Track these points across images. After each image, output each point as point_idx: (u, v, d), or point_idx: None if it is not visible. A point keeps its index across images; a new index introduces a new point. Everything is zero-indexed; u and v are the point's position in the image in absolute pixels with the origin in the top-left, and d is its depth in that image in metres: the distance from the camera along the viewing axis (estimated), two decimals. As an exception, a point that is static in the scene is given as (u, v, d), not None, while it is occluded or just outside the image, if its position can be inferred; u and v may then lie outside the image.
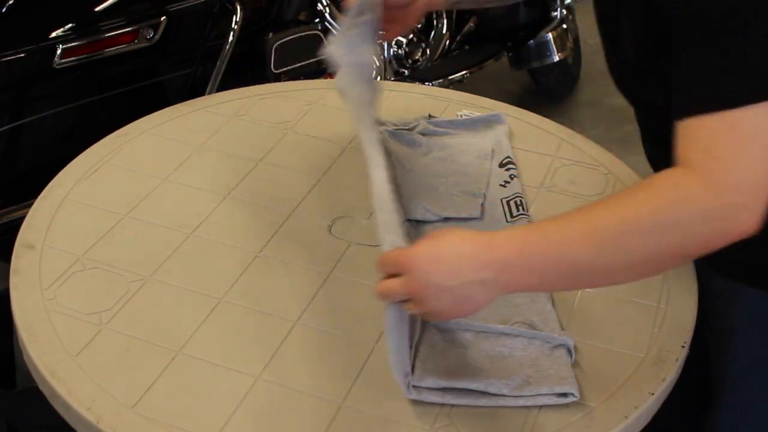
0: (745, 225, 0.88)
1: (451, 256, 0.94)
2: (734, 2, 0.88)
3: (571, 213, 0.94)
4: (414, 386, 1.04)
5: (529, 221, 1.31)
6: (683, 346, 1.14)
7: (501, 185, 1.38)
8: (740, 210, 0.88)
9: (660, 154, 1.05)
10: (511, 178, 1.39)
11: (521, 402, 1.04)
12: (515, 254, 0.92)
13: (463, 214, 1.32)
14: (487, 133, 1.50)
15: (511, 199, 1.35)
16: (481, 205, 1.34)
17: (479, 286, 0.92)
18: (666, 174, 0.91)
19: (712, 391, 1.30)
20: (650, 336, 1.15)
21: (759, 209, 0.88)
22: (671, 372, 1.10)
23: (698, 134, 0.89)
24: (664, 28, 0.96)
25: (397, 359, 1.02)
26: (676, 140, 0.92)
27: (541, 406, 1.04)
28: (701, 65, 0.90)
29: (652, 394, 1.07)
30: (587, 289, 1.22)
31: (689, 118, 0.90)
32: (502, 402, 1.04)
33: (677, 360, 1.12)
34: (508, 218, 1.32)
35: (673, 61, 0.94)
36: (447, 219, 1.32)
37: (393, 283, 0.96)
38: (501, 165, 1.42)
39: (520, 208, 1.33)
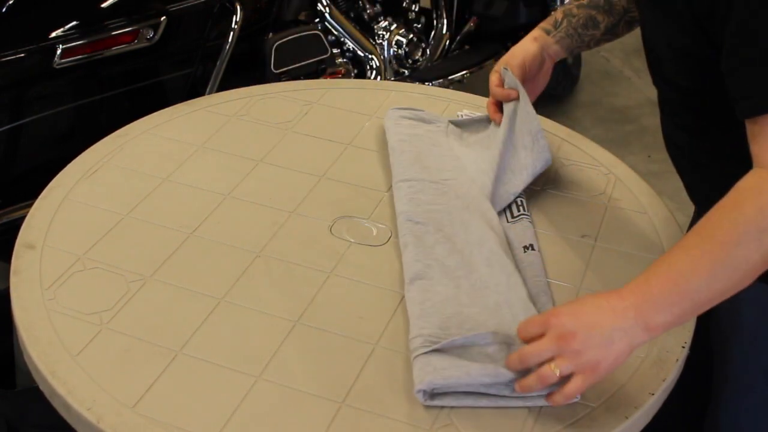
0: None
1: (590, 309, 1.00)
2: None
3: (679, 246, 1.01)
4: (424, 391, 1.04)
5: (530, 221, 1.31)
6: (683, 346, 1.14)
7: None
8: None
9: (691, 142, 1.17)
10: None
11: (522, 402, 1.04)
12: (641, 298, 0.98)
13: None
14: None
15: (511, 201, 1.35)
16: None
17: (621, 333, 0.98)
18: (748, 182, 0.99)
19: (713, 385, 1.30)
20: (650, 336, 1.15)
21: None
22: (671, 372, 1.10)
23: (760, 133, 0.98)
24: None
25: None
26: (749, 138, 1.01)
27: (541, 407, 1.04)
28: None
29: (652, 394, 1.07)
30: (587, 289, 1.22)
31: (759, 116, 0.98)
32: (503, 403, 1.04)
33: (677, 360, 1.12)
34: (509, 219, 1.32)
35: (729, 62, 1.01)
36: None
37: (539, 342, 0.99)
38: None
39: (521, 208, 1.33)
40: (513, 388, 1.03)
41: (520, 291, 1.16)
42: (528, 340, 1.01)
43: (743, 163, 1.03)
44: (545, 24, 1.44)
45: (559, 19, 1.42)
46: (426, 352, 1.06)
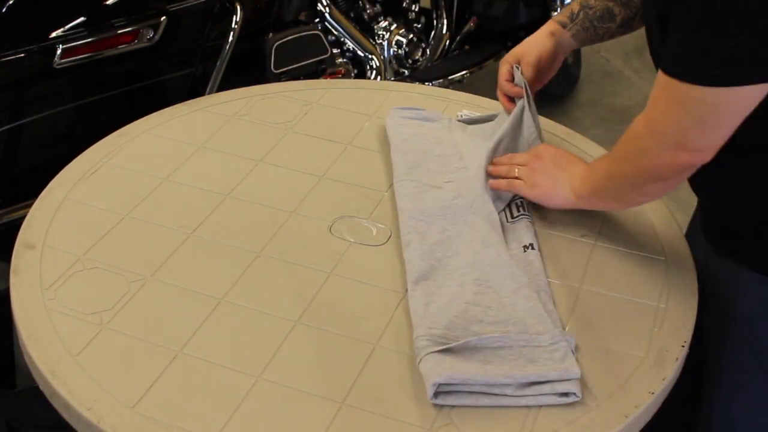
0: (668, 159, 1.10)
1: (565, 156, 1.32)
2: None
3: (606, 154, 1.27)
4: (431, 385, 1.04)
5: (530, 221, 1.31)
6: (683, 346, 1.14)
7: None
8: (664, 148, 1.09)
9: None
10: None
11: (523, 402, 1.04)
12: (586, 172, 1.27)
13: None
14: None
15: (511, 201, 1.35)
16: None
17: (564, 181, 1.28)
18: (642, 123, 1.14)
19: (707, 380, 1.29)
20: (650, 336, 1.15)
21: (678, 151, 1.09)
22: (671, 372, 1.10)
23: (656, 85, 1.09)
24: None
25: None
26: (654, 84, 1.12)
27: (541, 406, 1.04)
28: (683, 32, 1.03)
29: (652, 393, 1.07)
30: (587, 289, 1.22)
31: (660, 71, 1.08)
32: (504, 402, 1.04)
33: (677, 360, 1.12)
34: (509, 219, 1.32)
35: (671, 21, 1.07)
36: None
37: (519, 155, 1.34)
38: None
39: (521, 208, 1.33)
40: (516, 388, 1.04)
41: (525, 291, 1.17)
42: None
43: (745, 153, 1.06)
44: (561, 16, 1.44)
45: (576, 12, 1.42)
46: (437, 351, 1.06)
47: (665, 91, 1.07)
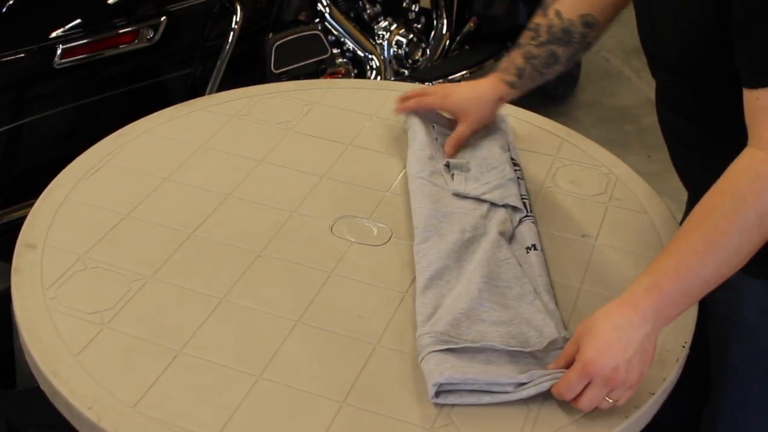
0: None
1: (613, 336, 1.01)
2: None
3: (682, 238, 1.03)
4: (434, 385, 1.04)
5: (533, 222, 1.31)
6: (683, 346, 1.14)
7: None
8: None
9: (690, 127, 1.19)
10: (518, 180, 1.40)
11: (524, 394, 1.04)
12: (656, 302, 1.01)
13: (507, 201, 1.33)
14: (496, 130, 1.49)
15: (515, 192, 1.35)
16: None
17: (648, 339, 1.01)
18: (743, 164, 1.00)
19: (712, 384, 1.30)
20: (650, 336, 1.15)
21: None
22: (671, 372, 1.10)
23: (757, 111, 0.99)
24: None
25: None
26: (747, 112, 1.02)
27: (541, 406, 1.05)
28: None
29: (653, 394, 1.07)
30: (587, 289, 1.22)
31: (761, 89, 0.98)
32: (505, 398, 1.04)
33: (677, 360, 1.12)
34: (513, 221, 1.32)
35: (738, 32, 1.01)
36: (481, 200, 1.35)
37: (591, 393, 1.02)
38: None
39: (525, 210, 1.33)
40: (515, 386, 1.04)
41: (529, 297, 1.17)
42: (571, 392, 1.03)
43: (741, 146, 1.04)
44: (508, 75, 1.40)
45: (522, 66, 1.39)
46: (439, 350, 1.06)
47: None
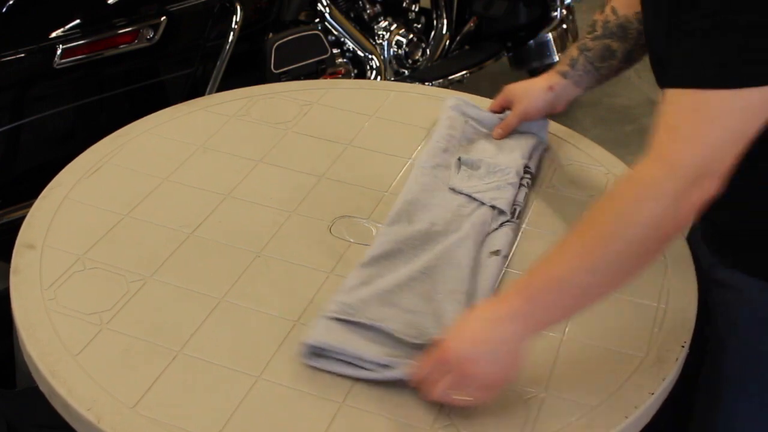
0: (707, 193, 0.94)
1: (476, 325, 1.01)
2: None
3: (560, 244, 1.00)
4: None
5: (512, 229, 1.29)
6: (683, 346, 1.14)
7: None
8: (701, 182, 0.93)
9: None
10: (518, 187, 1.38)
11: (380, 376, 1.06)
12: (527, 303, 0.99)
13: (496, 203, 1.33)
14: (529, 135, 1.49)
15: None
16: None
17: (513, 340, 0.99)
18: (630, 170, 0.97)
19: (706, 387, 1.29)
20: (650, 336, 1.15)
21: (715, 177, 0.94)
22: (671, 372, 1.10)
23: (668, 108, 0.95)
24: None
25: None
26: (658, 114, 0.98)
27: (541, 406, 1.05)
28: (690, 41, 0.95)
29: (652, 393, 1.07)
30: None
31: (669, 88, 0.96)
32: (364, 375, 1.06)
33: (677, 360, 1.12)
34: (495, 226, 1.30)
35: (672, 33, 0.99)
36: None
37: (441, 383, 1.01)
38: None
39: (509, 215, 1.32)
40: (378, 366, 1.06)
41: (459, 297, 1.16)
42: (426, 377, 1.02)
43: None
44: (562, 65, 1.41)
45: (575, 57, 1.39)
46: (332, 317, 1.10)
47: (687, 109, 0.94)
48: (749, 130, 0.94)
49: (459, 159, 1.42)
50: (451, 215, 1.31)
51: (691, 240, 1.32)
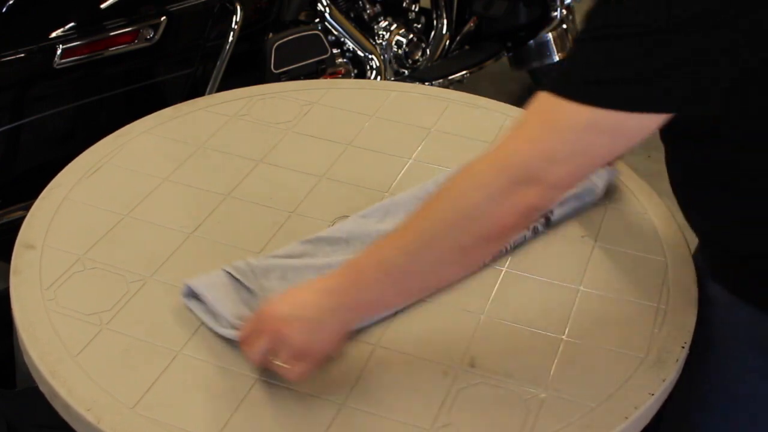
0: (530, 198, 0.92)
1: (303, 290, 1.03)
2: (609, 15, 0.90)
3: (394, 229, 1.00)
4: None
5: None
6: (683, 347, 1.14)
7: None
8: (525, 185, 0.91)
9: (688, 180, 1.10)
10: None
11: (221, 332, 1.10)
12: (343, 276, 1.00)
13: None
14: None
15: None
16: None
17: (330, 313, 1.00)
18: (467, 164, 0.96)
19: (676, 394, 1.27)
20: (650, 336, 1.15)
21: (543, 186, 0.92)
22: (671, 372, 1.10)
23: (528, 107, 0.95)
24: None
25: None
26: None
27: (540, 407, 1.05)
28: (570, 50, 0.95)
29: (652, 394, 1.07)
30: (587, 290, 1.22)
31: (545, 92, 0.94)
32: (213, 327, 1.11)
33: (677, 360, 1.12)
34: None
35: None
36: None
37: (258, 343, 1.03)
38: None
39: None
40: (225, 321, 1.11)
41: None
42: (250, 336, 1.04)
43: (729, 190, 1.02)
44: None
45: None
46: (227, 271, 1.16)
47: (540, 111, 0.94)
48: (594, 151, 0.92)
49: None
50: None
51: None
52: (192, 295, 1.15)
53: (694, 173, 1.09)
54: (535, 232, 1.30)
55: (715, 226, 1.12)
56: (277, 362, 1.03)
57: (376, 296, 1.01)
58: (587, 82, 0.90)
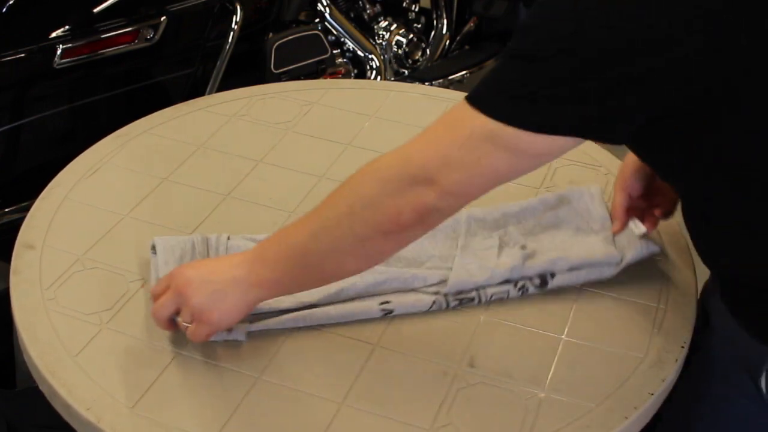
0: (423, 198, 0.94)
1: (210, 262, 1.12)
2: (537, 33, 0.91)
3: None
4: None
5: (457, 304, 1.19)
6: (683, 347, 1.14)
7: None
8: (422, 185, 0.94)
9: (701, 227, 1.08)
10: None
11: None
12: (252, 252, 1.06)
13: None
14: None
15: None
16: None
17: (233, 284, 1.04)
18: (376, 158, 1.00)
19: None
20: (650, 336, 1.15)
21: (436, 188, 0.93)
22: (671, 372, 1.10)
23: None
24: None
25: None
26: None
27: (540, 407, 1.05)
28: (493, 67, 0.96)
29: (652, 394, 1.07)
30: (586, 290, 1.22)
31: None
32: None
33: (677, 360, 1.12)
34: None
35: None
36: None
37: (164, 296, 1.08)
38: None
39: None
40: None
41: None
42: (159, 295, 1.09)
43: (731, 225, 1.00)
44: None
45: None
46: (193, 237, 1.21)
47: (450, 116, 0.96)
48: (491, 164, 0.92)
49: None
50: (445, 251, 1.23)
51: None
52: (155, 251, 1.20)
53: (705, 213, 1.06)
54: (524, 292, 1.19)
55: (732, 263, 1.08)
56: (179, 320, 1.07)
57: (277, 276, 1.04)
58: (497, 95, 0.92)
